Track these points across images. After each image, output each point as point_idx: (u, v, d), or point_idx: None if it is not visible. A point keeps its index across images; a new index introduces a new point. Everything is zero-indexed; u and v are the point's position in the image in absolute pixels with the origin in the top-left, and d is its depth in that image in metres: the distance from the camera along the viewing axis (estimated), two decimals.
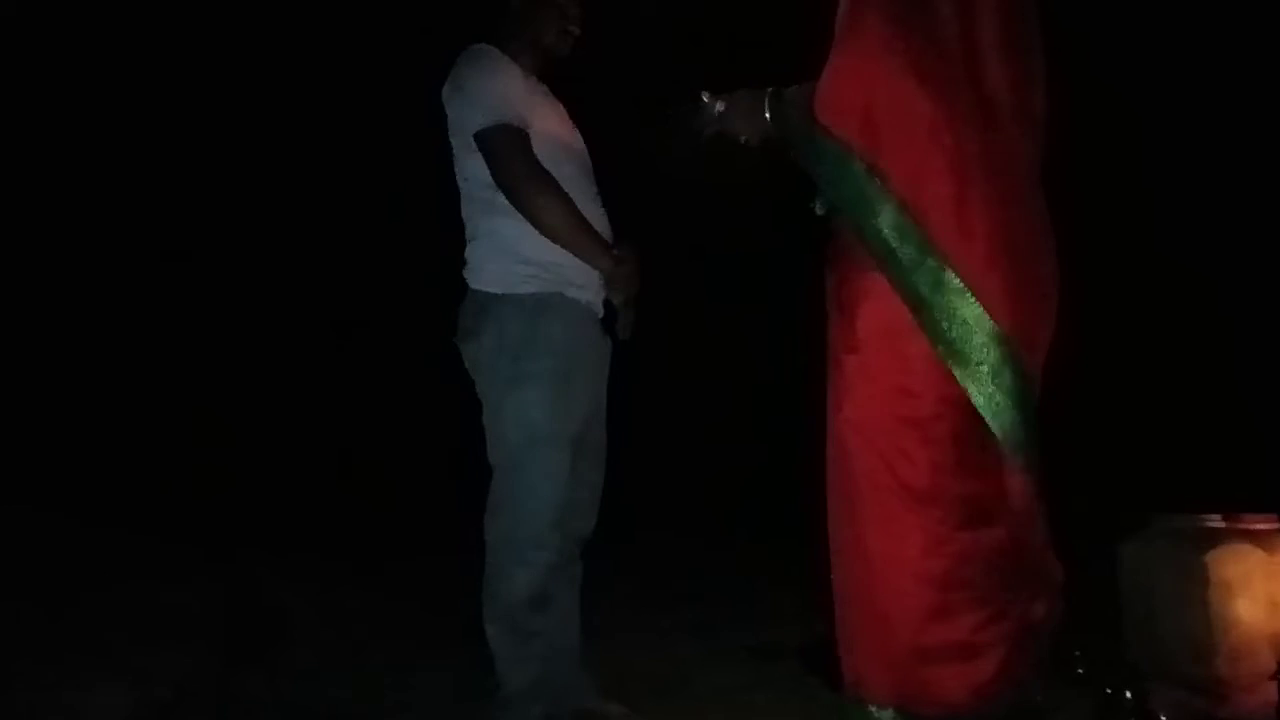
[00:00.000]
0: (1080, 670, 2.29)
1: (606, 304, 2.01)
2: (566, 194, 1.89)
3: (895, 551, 1.55)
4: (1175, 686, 1.98)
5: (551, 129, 1.97)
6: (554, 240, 1.89)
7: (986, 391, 1.54)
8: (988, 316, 1.52)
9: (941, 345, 1.53)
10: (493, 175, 1.88)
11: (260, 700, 2.28)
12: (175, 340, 5.18)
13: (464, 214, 1.99)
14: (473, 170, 1.93)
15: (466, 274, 1.98)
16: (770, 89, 1.68)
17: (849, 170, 1.57)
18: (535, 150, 1.90)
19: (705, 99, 1.68)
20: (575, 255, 1.91)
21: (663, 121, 1.73)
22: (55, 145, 4.86)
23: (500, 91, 1.89)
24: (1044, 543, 1.64)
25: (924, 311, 1.54)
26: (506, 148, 1.86)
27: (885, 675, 1.56)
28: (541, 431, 1.88)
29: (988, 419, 1.54)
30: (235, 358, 5.21)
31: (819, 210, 1.67)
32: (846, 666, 1.60)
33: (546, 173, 1.88)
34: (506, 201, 1.89)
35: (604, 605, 2.23)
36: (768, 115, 1.65)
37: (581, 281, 1.95)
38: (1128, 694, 2.05)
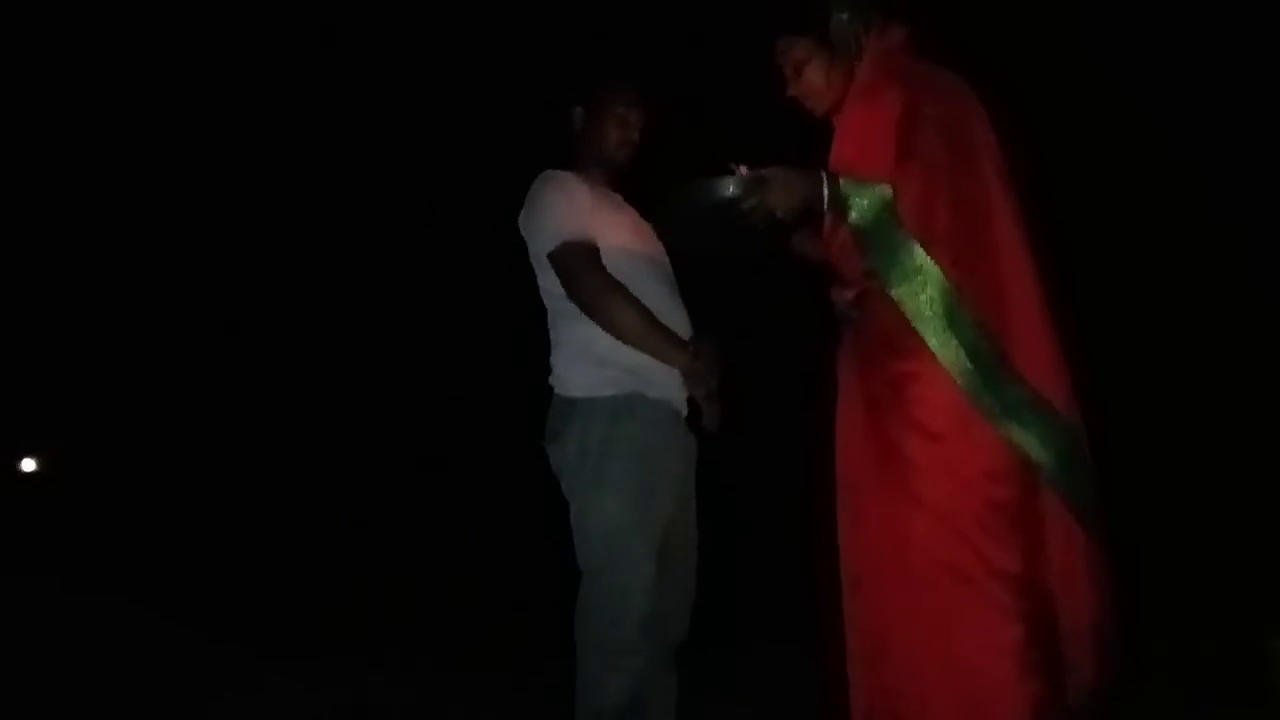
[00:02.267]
0: None
1: (691, 400, 2.03)
2: (635, 299, 1.94)
3: (996, 644, 1.49)
4: None
5: (623, 236, 2.03)
6: (628, 344, 1.93)
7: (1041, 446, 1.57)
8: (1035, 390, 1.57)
9: (993, 415, 1.56)
10: (565, 291, 1.97)
11: None
12: (278, 450, 5.46)
13: (549, 325, 2.08)
14: (550, 285, 2.02)
15: (552, 380, 2.04)
16: (821, 169, 1.69)
17: (911, 252, 1.60)
18: (608, 258, 1.97)
19: (742, 171, 1.67)
20: (651, 356, 1.94)
21: (688, 192, 1.71)
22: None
23: (564, 211, 1.98)
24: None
25: (970, 377, 1.56)
26: (574, 263, 1.95)
27: None
28: (625, 533, 1.88)
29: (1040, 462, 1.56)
30: (333, 466, 5.43)
31: (867, 265, 1.68)
32: None
33: (614, 281, 1.94)
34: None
35: (698, 713, 2.14)
36: (825, 193, 1.65)
37: (663, 381, 1.97)
38: None
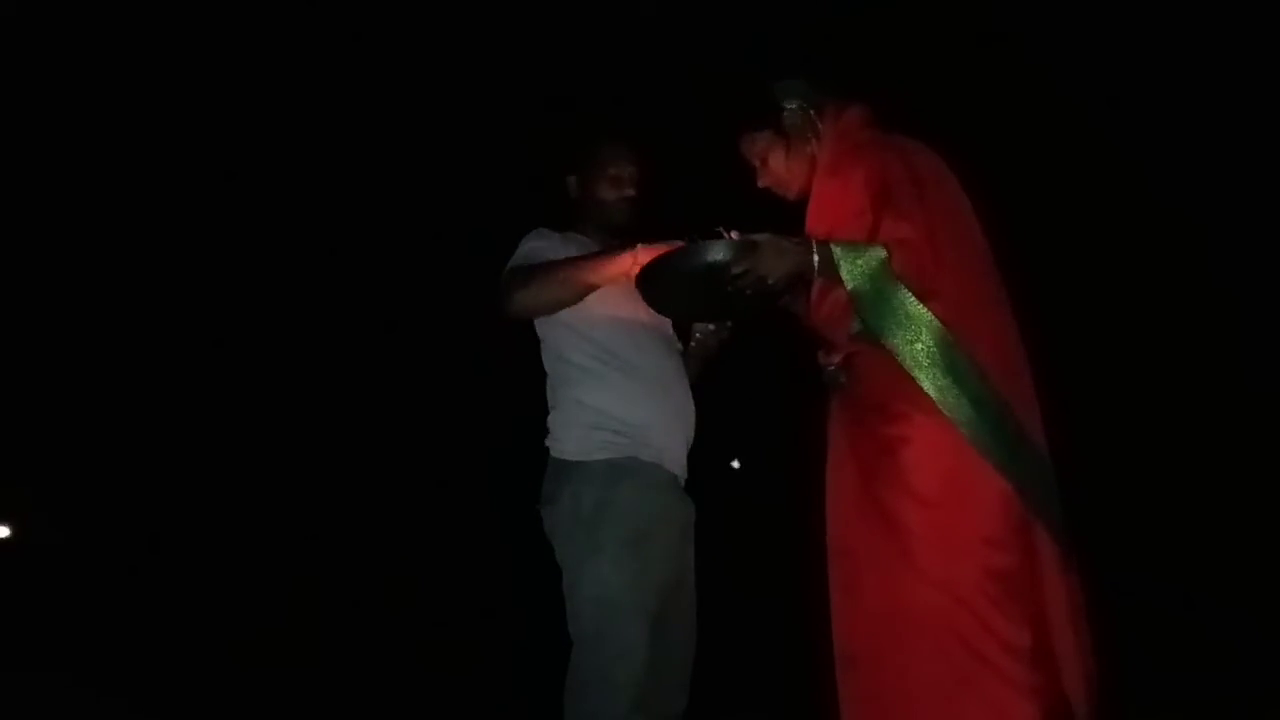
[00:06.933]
0: None
1: (690, 461, 2.00)
2: (549, 261, 1.92)
3: None
4: None
5: (616, 298, 1.98)
6: (576, 295, 1.90)
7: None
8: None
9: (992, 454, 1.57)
10: (503, 305, 1.94)
11: None
12: (262, 518, 5.33)
13: (547, 387, 2.06)
14: (547, 347, 2.03)
15: (548, 442, 2.02)
16: (811, 238, 1.71)
17: (905, 304, 1.61)
18: (603, 322, 1.96)
19: (732, 236, 1.67)
20: (600, 283, 1.88)
21: (677, 255, 1.71)
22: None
23: (526, 251, 1.99)
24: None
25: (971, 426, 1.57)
26: (508, 277, 1.95)
27: None
28: (618, 601, 1.82)
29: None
30: (313, 544, 5.30)
31: (854, 329, 1.69)
32: None
33: (531, 267, 1.93)
34: (580, 373, 1.96)
35: None
36: (816, 259, 1.65)
37: (658, 444, 1.95)
38: None
